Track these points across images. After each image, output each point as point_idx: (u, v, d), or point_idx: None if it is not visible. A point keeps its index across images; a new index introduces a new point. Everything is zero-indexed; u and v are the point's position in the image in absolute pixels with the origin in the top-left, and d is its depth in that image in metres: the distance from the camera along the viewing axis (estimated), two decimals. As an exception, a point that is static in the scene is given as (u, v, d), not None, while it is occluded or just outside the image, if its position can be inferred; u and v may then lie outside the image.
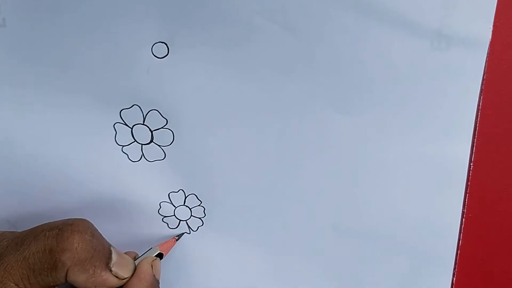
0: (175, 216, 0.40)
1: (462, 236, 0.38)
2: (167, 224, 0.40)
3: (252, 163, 0.38)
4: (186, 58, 0.36)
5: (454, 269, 0.38)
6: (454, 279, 0.38)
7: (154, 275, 0.36)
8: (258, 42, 0.36)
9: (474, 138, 0.36)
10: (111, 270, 0.34)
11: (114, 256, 0.34)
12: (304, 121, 0.37)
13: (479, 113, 0.36)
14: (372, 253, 0.39)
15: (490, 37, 0.34)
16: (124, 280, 0.35)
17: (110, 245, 0.35)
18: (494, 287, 0.38)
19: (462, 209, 0.37)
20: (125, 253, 0.36)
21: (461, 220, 0.37)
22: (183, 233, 0.40)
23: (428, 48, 0.35)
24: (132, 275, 0.35)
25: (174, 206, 0.40)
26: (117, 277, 0.34)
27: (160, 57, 0.36)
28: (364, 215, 0.38)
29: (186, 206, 0.40)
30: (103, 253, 0.34)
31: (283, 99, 0.37)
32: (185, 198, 0.39)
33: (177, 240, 0.40)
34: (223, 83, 0.37)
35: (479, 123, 0.36)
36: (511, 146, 0.37)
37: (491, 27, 0.33)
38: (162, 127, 0.38)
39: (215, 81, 0.37)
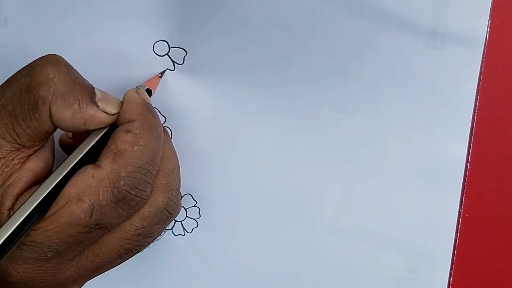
0: (171, 216, 0.40)
1: (458, 236, 0.38)
2: (162, 225, 0.40)
3: (248, 163, 0.38)
4: (184, 55, 0.37)
5: (451, 269, 0.38)
6: (451, 279, 0.38)
7: (144, 99, 0.33)
8: (255, 41, 0.36)
9: (471, 138, 0.36)
10: (98, 105, 0.31)
11: (98, 92, 0.31)
12: (300, 120, 0.37)
13: (475, 113, 0.36)
14: (369, 253, 0.39)
15: (486, 34, 0.34)
16: (114, 117, 0.31)
17: (91, 84, 0.32)
18: (491, 287, 0.38)
19: (459, 210, 0.37)
20: None
21: (458, 220, 0.38)
22: (165, 70, 0.37)
23: (424, 47, 0.35)
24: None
25: (170, 206, 0.39)
26: (106, 112, 0.31)
27: (161, 55, 0.37)
28: (360, 214, 0.38)
29: (182, 206, 0.39)
30: (84, 87, 0.31)
31: (279, 98, 0.37)
32: (181, 198, 0.39)
33: (160, 77, 0.37)
34: (221, 82, 0.37)
35: (475, 124, 0.36)
36: (508, 147, 0.37)
37: (487, 24, 0.34)
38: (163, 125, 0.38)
39: (214, 80, 0.37)
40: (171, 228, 0.40)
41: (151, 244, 0.35)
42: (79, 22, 0.37)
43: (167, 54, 0.37)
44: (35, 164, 0.31)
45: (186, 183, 0.39)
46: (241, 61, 0.37)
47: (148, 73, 0.37)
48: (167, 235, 0.40)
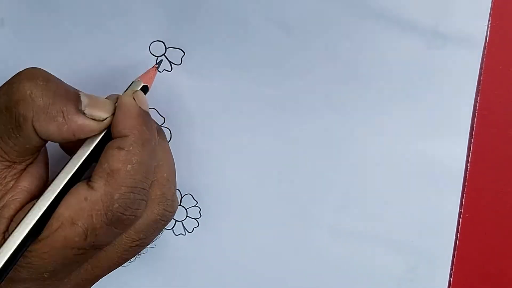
0: (171, 216, 0.40)
1: (459, 236, 0.38)
2: (163, 225, 0.40)
3: (248, 163, 0.38)
4: (181, 56, 0.37)
5: (451, 269, 0.38)
6: (451, 279, 0.38)
7: (140, 106, 0.31)
8: (254, 41, 0.36)
9: (471, 138, 0.36)
10: (84, 114, 0.30)
11: (84, 99, 0.30)
12: (300, 120, 0.37)
13: (476, 113, 0.36)
14: (369, 253, 0.39)
15: (485, 34, 0.34)
16: (106, 122, 0.30)
17: (77, 90, 0.31)
18: (491, 287, 0.38)
19: (459, 210, 0.37)
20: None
21: (458, 220, 0.38)
22: (161, 60, 0.36)
23: (424, 47, 0.35)
24: (114, 114, 0.31)
25: (170, 206, 0.40)
26: (94, 119, 0.30)
27: (158, 55, 0.37)
28: (360, 214, 0.38)
29: (182, 206, 0.39)
30: (67, 96, 0.29)
31: (279, 98, 0.37)
32: (181, 198, 0.39)
33: (157, 68, 0.36)
34: (220, 82, 0.37)
35: (475, 124, 0.36)
36: (508, 147, 0.37)
37: (487, 24, 0.34)
38: (159, 126, 0.38)
39: (212, 80, 0.37)
40: (172, 228, 0.40)
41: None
42: (75, 23, 0.36)
43: (163, 54, 0.37)
44: (28, 183, 0.30)
45: (186, 183, 0.39)
46: (240, 61, 0.36)
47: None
48: (168, 235, 0.40)
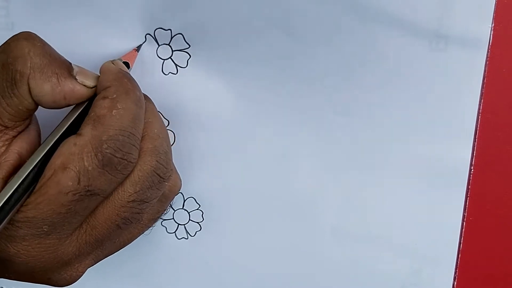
0: (174, 220, 0.40)
1: (463, 240, 0.37)
2: (166, 228, 0.40)
3: (251, 166, 0.38)
4: (187, 59, 0.37)
5: (455, 272, 0.38)
6: (455, 283, 0.38)
7: (120, 68, 0.33)
8: (258, 44, 0.36)
9: (475, 141, 0.36)
10: (76, 79, 0.31)
11: (75, 66, 0.32)
12: (304, 123, 0.37)
13: (479, 116, 0.36)
14: (372, 256, 0.38)
15: (489, 36, 0.34)
16: (93, 90, 0.32)
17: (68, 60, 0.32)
18: (495, 291, 0.38)
19: (463, 213, 0.37)
20: None
21: (462, 224, 0.37)
22: (142, 44, 0.37)
23: (427, 49, 0.35)
24: None
25: (173, 209, 0.39)
26: (84, 85, 0.31)
27: (164, 58, 0.37)
28: (364, 218, 0.38)
29: (185, 209, 0.39)
30: (61, 61, 0.31)
31: (283, 101, 0.37)
32: (184, 201, 0.39)
33: (137, 51, 0.36)
34: (223, 85, 0.37)
35: (479, 126, 0.36)
36: (512, 150, 0.37)
37: (490, 26, 0.34)
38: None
39: (217, 84, 0.37)
40: (175, 232, 0.40)
41: (153, 225, 0.36)
42: (84, 28, 0.37)
43: (170, 57, 0.37)
44: (19, 147, 0.31)
45: (189, 187, 0.39)
46: (245, 64, 0.37)
47: (152, 76, 0.37)
48: (170, 239, 0.40)
